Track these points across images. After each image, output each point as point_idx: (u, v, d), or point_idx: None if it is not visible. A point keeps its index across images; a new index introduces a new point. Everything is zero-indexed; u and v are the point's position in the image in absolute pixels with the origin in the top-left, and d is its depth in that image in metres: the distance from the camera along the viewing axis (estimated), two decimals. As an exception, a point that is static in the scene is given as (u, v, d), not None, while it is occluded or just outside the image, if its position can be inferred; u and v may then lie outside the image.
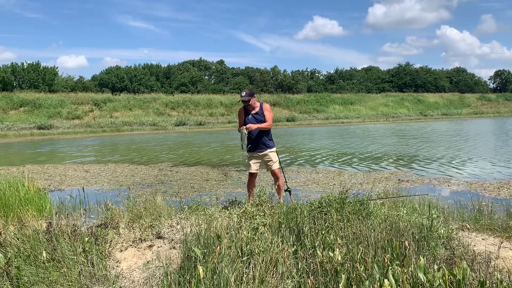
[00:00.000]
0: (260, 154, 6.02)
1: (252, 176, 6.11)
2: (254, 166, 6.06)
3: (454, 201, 6.47)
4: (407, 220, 3.80)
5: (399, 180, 9.68)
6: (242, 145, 5.98)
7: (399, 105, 64.45)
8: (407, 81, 76.42)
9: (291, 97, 59.63)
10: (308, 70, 78.59)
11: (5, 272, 3.17)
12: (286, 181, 6.52)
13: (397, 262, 2.72)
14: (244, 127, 5.82)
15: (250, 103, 5.92)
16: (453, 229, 3.89)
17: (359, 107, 61.19)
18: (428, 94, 73.75)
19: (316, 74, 78.70)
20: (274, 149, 6.11)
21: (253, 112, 5.97)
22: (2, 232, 3.78)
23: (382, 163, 13.03)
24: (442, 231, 3.67)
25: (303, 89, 67.24)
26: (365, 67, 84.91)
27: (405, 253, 2.90)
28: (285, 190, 6.27)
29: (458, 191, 8.22)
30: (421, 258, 2.48)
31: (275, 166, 6.06)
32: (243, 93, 5.90)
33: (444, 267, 2.49)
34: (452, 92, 77.60)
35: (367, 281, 2.48)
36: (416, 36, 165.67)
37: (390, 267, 2.59)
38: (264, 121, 5.93)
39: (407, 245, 2.95)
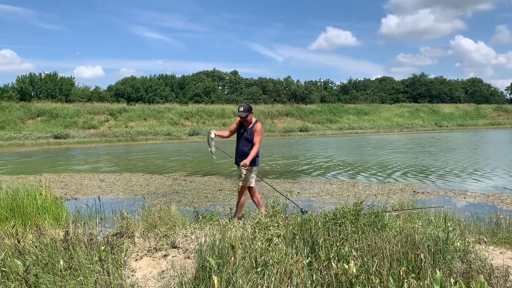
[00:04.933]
0: (238, 168, 6.10)
1: (251, 189, 6.15)
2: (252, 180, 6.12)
3: (471, 214, 6.40)
4: (423, 233, 3.77)
5: (414, 191, 9.58)
6: (210, 151, 6.09)
7: (414, 116, 63.91)
8: (422, 91, 75.82)
9: (304, 108, 59.59)
10: (322, 80, 78.59)
11: (24, 279, 3.23)
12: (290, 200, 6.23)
13: (413, 275, 2.70)
14: (212, 132, 5.93)
15: (248, 118, 5.91)
16: (469, 242, 3.85)
17: (373, 117, 60.83)
18: (443, 104, 73.03)
19: (330, 85, 78.60)
20: (252, 167, 6.05)
21: (248, 127, 5.99)
22: (21, 240, 3.85)
23: (397, 174, 12.92)
24: (459, 244, 3.63)
25: (316, 100, 67.18)
26: (379, 77, 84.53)
27: (421, 266, 2.88)
28: (301, 211, 6.06)
29: (475, 204, 8.10)
30: (437, 271, 2.47)
31: (244, 183, 6.09)
32: (241, 108, 5.86)
33: (461, 281, 2.46)
34: (467, 103, 76.71)
35: (383, 294, 2.47)
36: (430, 47, 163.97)
37: (405, 280, 2.58)
38: (251, 140, 5.95)
39: (422, 257, 2.93)
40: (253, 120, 6.03)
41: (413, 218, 4.96)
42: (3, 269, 3.36)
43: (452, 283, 2.51)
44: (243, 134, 5.98)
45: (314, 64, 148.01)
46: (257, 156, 6.04)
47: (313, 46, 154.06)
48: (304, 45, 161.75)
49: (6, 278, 3.29)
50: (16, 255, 3.59)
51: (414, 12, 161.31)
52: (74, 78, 55.74)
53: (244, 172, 5.99)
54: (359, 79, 79.39)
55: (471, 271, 3.19)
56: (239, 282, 2.83)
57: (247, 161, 5.83)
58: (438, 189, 9.97)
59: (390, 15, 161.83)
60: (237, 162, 6.05)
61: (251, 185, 6.12)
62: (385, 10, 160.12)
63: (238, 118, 6.04)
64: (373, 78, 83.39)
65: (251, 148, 5.96)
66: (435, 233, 3.73)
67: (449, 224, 4.05)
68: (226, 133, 6.19)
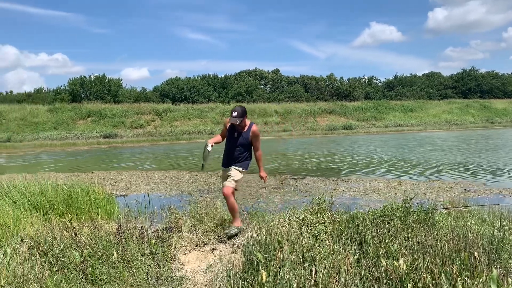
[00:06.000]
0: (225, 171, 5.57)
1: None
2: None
3: (528, 213, 6.08)
4: (476, 231, 3.63)
5: (465, 190, 9.22)
6: (202, 164, 5.54)
7: (464, 112, 61.34)
8: (472, 86, 72.61)
9: (348, 105, 58.64)
10: (366, 77, 77.02)
11: (81, 270, 3.40)
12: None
13: (467, 273, 2.62)
14: (209, 144, 5.39)
15: (241, 124, 5.41)
16: (527, 242, 3.67)
17: (420, 114, 58.94)
18: (496, 100, 69.52)
19: (374, 81, 76.89)
20: (246, 170, 5.56)
21: (243, 131, 5.48)
22: (77, 233, 4.05)
23: (446, 172, 12.47)
24: (516, 244, 3.47)
25: (360, 97, 65.95)
26: (426, 73, 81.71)
27: (475, 264, 2.79)
28: None
29: (532, 203, 7.69)
30: (493, 269, 2.38)
31: (233, 184, 5.39)
32: (234, 113, 5.30)
33: (519, 281, 2.36)
34: (523, 98, 72.67)
35: (435, 292, 2.41)
36: (481, 40, 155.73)
37: (459, 278, 2.50)
38: (247, 144, 5.49)
39: (477, 256, 2.82)
40: (248, 122, 5.55)
41: (465, 216, 4.78)
42: (62, 259, 3.56)
43: (510, 283, 2.41)
44: (238, 138, 5.48)
45: (358, 60, 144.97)
46: (250, 159, 5.62)
47: (356, 42, 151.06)
48: (347, 42, 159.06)
49: (65, 268, 3.47)
50: (74, 247, 3.78)
51: (463, 4, 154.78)
52: (121, 79, 57.89)
53: (233, 173, 5.40)
54: (405, 75, 77.10)
55: (530, 272, 3.04)
56: (286, 277, 2.84)
57: (264, 175, 5.49)
58: (491, 187, 9.55)
59: (437, 8, 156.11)
60: (227, 165, 5.53)
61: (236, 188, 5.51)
62: (432, 3, 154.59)
63: (228, 120, 5.51)
64: (419, 74, 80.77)
65: (246, 151, 5.54)
66: (489, 231, 3.59)
67: (505, 223, 3.89)
68: (220, 138, 5.76)
